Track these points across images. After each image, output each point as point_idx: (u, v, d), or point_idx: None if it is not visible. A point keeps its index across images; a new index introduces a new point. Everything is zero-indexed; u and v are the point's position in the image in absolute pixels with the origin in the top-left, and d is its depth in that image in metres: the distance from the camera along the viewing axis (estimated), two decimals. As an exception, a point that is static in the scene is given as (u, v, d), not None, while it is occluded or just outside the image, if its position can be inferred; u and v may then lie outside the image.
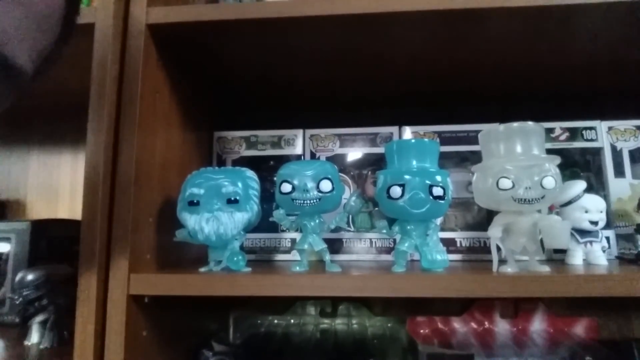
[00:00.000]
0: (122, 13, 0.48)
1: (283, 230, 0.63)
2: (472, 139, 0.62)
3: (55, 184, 0.86)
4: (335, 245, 0.62)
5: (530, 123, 0.46)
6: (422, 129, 0.64)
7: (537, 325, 0.66)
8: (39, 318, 0.50)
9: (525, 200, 0.42)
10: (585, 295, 0.39)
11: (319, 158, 0.66)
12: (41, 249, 0.63)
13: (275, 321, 0.73)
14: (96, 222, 0.44)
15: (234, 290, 0.42)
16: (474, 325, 0.67)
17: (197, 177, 0.47)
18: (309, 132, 0.67)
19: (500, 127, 0.47)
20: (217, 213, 0.45)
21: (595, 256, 0.51)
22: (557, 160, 0.45)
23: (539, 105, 0.72)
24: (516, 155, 0.45)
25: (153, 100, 0.50)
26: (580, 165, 0.64)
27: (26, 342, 0.51)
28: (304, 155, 0.66)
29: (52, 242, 0.65)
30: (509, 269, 0.44)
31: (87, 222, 0.44)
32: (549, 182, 0.42)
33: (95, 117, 0.46)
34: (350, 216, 0.61)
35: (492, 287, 0.40)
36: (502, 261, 0.45)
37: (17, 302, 0.47)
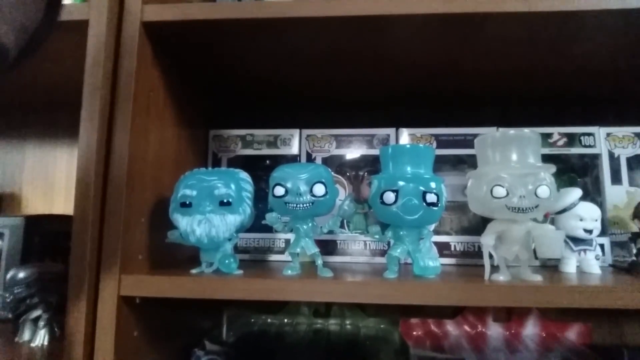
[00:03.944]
0: (116, 10, 0.48)
1: (277, 231, 0.63)
2: (469, 142, 0.61)
3: (52, 178, 0.85)
4: (329, 247, 0.62)
5: (526, 131, 0.45)
6: (419, 131, 0.64)
7: (530, 329, 0.66)
8: (31, 316, 0.50)
9: (519, 209, 0.42)
10: (576, 306, 0.38)
11: (315, 158, 0.65)
12: (35, 244, 0.62)
13: (269, 320, 0.72)
14: (87, 223, 0.43)
15: (224, 293, 0.42)
16: (467, 328, 0.67)
17: (190, 178, 0.47)
18: (306, 132, 0.66)
19: (496, 133, 0.46)
20: (210, 215, 0.45)
21: (588, 264, 0.51)
22: (553, 169, 0.44)
23: (538, 110, 0.71)
24: (511, 163, 0.44)
25: (147, 98, 0.49)
26: (577, 171, 0.63)
27: (17, 339, 0.51)
28: (300, 155, 0.66)
29: (46, 238, 0.64)
30: (501, 277, 0.44)
31: (78, 222, 0.43)
32: (544, 191, 0.42)
33: (88, 116, 0.45)
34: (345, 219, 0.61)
35: (483, 296, 0.40)
36: (494, 266, 0.45)
37: (8, 300, 0.47)
